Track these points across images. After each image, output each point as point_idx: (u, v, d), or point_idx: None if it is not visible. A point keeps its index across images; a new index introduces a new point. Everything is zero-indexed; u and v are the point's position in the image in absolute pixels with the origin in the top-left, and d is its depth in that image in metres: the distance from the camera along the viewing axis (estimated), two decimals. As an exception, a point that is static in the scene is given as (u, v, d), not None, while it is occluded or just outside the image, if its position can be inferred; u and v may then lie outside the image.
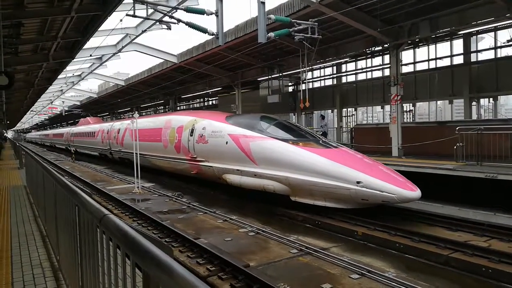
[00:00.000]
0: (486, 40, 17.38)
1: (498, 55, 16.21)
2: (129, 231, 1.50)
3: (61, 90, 33.41)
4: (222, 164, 12.13)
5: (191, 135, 13.86)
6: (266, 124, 11.49)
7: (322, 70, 24.49)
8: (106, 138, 24.35)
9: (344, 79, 23.49)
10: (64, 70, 19.77)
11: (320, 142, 10.54)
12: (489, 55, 16.57)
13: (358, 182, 8.48)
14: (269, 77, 22.26)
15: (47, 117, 62.22)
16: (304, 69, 15.51)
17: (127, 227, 1.57)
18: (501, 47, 16.07)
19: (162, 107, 40.39)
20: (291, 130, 11.23)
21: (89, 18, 11.21)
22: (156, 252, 1.26)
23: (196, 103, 37.22)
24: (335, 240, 8.06)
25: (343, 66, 23.03)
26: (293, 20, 12.45)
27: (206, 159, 12.94)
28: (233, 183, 11.68)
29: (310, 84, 24.99)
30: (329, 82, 24.48)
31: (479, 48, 17.20)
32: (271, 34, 11.80)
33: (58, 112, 49.30)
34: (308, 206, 9.72)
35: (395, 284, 5.39)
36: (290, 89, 26.19)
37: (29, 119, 71.29)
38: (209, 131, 12.90)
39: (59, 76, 21.56)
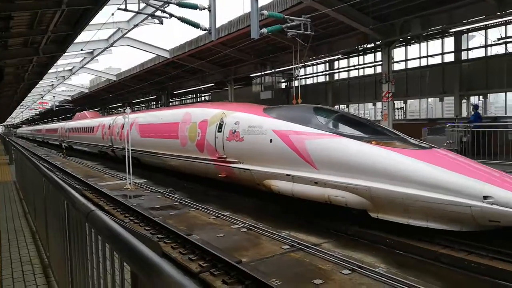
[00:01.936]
0: (477, 38, 17.58)
1: (489, 53, 16.37)
2: (115, 227, 1.48)
3: (52, 84, 33.08)
4: (263, 167, 9.89)
5: (219, 131, 11.64)
6: (324, 117, 9.21)
7: (314, 66, 24.53)
8: (108, 134, 22.22)
9: (336, 76, 23.57)
10: (55, 64, 19.53)
11: (407, 141, 8.22)
12: (480, 53, 16.75)
13: (485, 197, 6.25)
14: (262, 73, 22.26)
15: (38, 112, 61.67)
16: (297, 65, 15.52)
17: (113, 223, 1.54)
18: (491, 45, 16.24)
19: (154, 103, 40.19)
20: (361, 125, 8.94)
21: (80, 12, 11.05)
22: (143, 250, 1.24)
23: (189, 98, 37.10)
24: (326, 236, 8.08)
25: (336, 63, 23.11)
26: (286, 16, 12.45)
27: (240, 160, 10.78)
28: (281, 191, 9.40)
29: (303, 80, 25.03)
30: (321, 79, 24.54)
31: (469, 46, 17.37)
32: (264, 30, 11.78)
33: (49, 107, 48.86)
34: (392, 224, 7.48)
35: (386, 280, 5.45)
36: (283, 85, 26.22)
37: (19, 114, 70.52)
38: (244, 126, 10.68)
39: (50, 71, 21.30)
